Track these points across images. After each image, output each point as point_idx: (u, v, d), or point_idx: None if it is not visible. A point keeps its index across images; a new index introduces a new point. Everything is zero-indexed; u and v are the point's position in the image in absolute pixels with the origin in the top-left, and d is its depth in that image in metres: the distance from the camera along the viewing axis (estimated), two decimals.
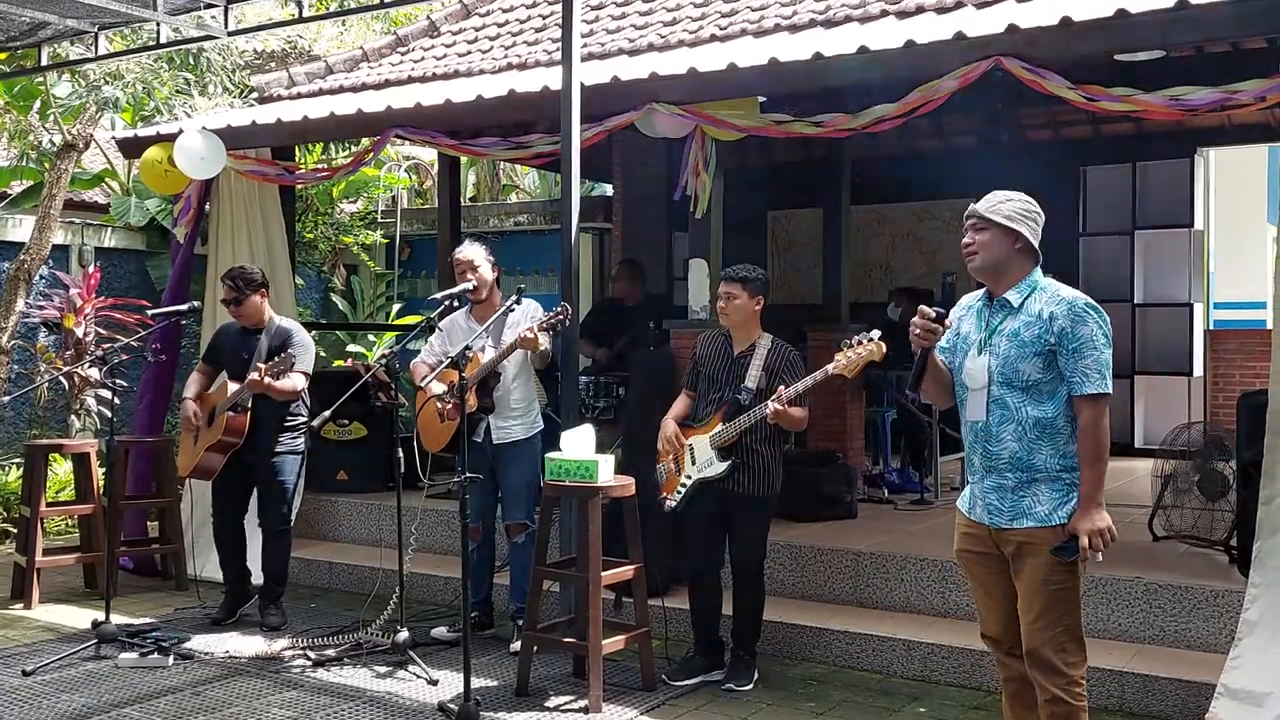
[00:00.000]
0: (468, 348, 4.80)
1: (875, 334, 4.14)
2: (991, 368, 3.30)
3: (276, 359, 5.58)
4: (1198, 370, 9.56)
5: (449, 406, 5.28)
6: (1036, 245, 3.34)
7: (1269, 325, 10.02)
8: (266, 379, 5.52)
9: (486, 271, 5.49)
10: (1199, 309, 9.70)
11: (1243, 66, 4.83)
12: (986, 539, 3.38)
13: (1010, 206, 3.34)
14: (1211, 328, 9.91)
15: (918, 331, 3.28)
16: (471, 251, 5.49)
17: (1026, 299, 3.32)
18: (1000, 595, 3.40)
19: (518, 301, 5.20)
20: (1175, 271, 9.63)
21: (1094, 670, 4.60)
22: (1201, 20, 4.56)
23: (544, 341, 5.17)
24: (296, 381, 5.67)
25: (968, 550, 3.47)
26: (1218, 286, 10.27)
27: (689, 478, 4.87)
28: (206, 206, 7.47)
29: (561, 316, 5.09)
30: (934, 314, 3.27)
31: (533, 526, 5.42)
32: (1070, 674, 3.24)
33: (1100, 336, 3.23)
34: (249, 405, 5.73)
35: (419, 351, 5.88)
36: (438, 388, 5.32)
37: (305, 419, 5.89)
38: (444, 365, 4.92)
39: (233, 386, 5.73)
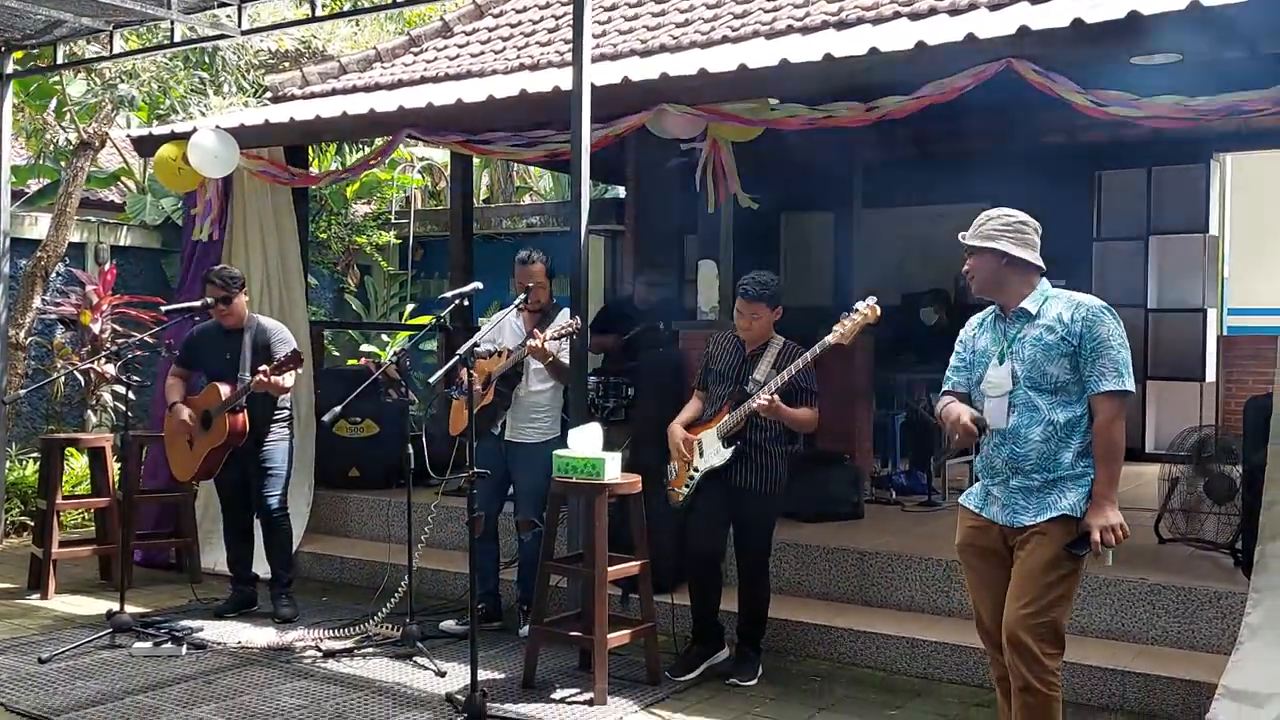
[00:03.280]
0: (475, 344, 4.86)
1: (870, 300, 4.24)
2: (1017, 372, 3.40)
3: (282, 357, 5.68)
4: (1210, 376, 9.51)
5: (478, 389, 5.36)
6: (1029, 257, 3.44)
7: None
8: (273, 378, 5.63)
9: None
10: (1212, 315, 9.65)
11: (1264, 70, 4.78)
12: (995, 534, 3.46)
13: (990, 225, 3.48)
14: (1225, 334, 9.86)
15: (958, 435, 3.44)
16: (540, 270, 5.59)
17: (1042, 306, 3.43)
18: (1000, 591, 3.44)
19: (555, 307, 5.47)
20: (1189, 277, 9.57)
21: (1096, 669, 4.65)
22: (1215, 23, 4.50)
23: (555, 349, 5.27)
24: (290, 377, 5.79)
25: (972, 544, 3.55)
26: (1232, 292, 10.21)
27: (696, 470, 4.91)
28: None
29: (569, 330, 5.23)
30: (977, 427, 3.41)
31: (540, 526, 5.46)
32: (1047, 664, 3.29)
33: (1116, 337, 3.36)
34: (245, 403, 5.81)
35: (430, 351, 5.99)
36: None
37: (290, 410, 6.10)
38: (452, 362, 5.04)
39: (224, 388, 5.80)
